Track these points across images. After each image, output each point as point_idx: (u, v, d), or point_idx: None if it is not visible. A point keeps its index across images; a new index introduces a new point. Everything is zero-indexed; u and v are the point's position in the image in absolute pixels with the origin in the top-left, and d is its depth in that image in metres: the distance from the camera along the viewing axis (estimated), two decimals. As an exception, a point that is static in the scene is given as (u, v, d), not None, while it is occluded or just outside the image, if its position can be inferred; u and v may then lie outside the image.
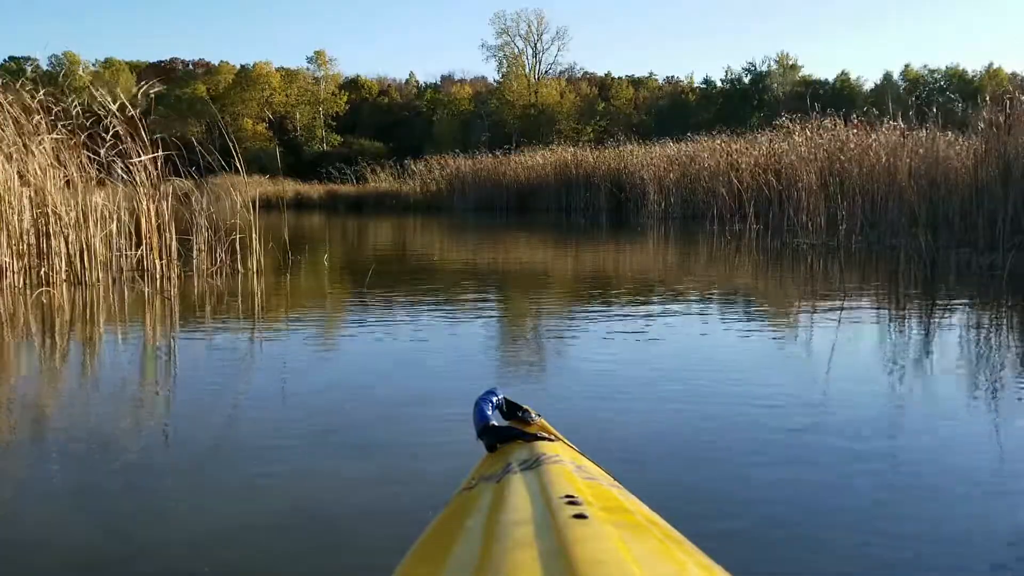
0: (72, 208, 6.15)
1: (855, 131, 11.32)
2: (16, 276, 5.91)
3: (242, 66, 46.08)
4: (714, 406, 2.70)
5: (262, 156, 30.97)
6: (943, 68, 41.32)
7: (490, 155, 23.70)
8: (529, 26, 44.15)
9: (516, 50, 44.47)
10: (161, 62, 50.51)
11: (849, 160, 10.27)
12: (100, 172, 6.52)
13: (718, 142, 16.67)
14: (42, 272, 6.04)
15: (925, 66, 41.92)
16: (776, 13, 74.84)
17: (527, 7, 59.32)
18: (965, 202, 7.74)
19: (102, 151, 6.41)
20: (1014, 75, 33.98)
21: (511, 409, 1.22)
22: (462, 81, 48.88)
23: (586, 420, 2.47)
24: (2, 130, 6.08)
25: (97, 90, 6.43)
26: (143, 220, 6.46)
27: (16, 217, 5.95)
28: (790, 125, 13.24)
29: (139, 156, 6.42)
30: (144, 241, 6.50)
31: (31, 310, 4.95)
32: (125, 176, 6.50)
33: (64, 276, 6.13)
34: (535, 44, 44.58)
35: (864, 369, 3.32)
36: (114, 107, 6.34)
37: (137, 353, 3.81)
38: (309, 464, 2.15)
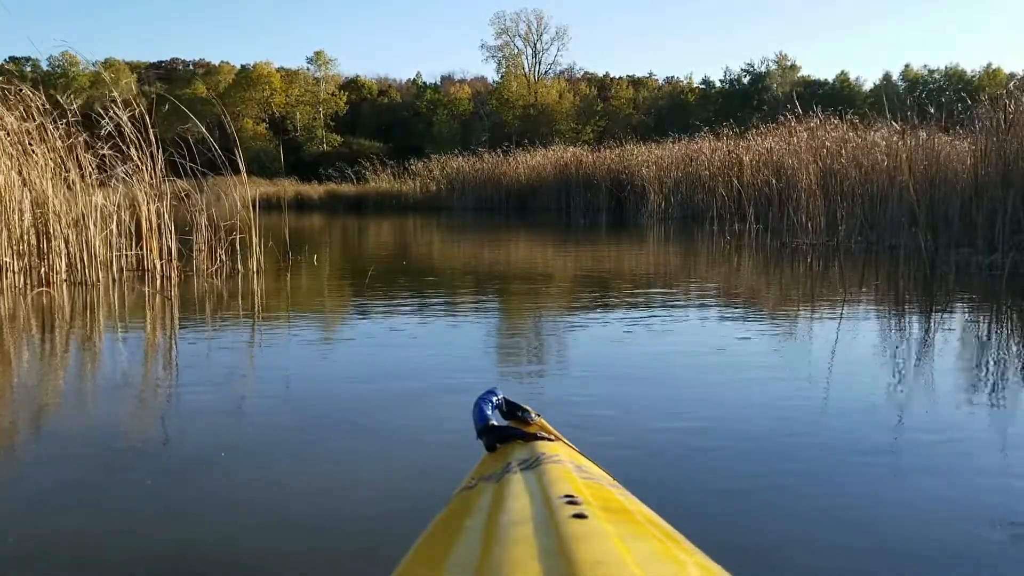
0: (72, 208, 6.15)
1: (853, 131, 11.31)
2: (16, 276, 5.91)
3: (242, 66, 46.09)
4: (714, 406, 2.70)
5: (262, 156, 30.98)
6: (943, 68, 41.35)
7: (490, 155, 23.69)
8: (529, 26, 44.18)
9: (516, 50, 44.50)
10: (161, 62, 50.55)
11: (849, 160, 10.26)
12: (101, 172, 6.53)
13: (720, 142, 16.67)
14: (42, 272, 6.04)
15: (925, 66, 41.96)
16: (776, 13, 74.96)
17: (527, 7, 59.25)
18: (965, 202, 7.72)
19: (104, 151, 6.42)
20: (1012, 75, 34.01)
21: (511, 409, 1.22)
22: (462, 81, 48.89)
23: (586, 420, 2.47)
24: (3, 130, 6.08)
25: (104, 92, 6.44)
26: (143, 220, 6.47)
27: (16, 217, 5.95)
28: (791, 124, 13.19)
29: (141, 156, 6.43)
30: (144, 241, 6.50)
31: (31, 310, 4.95)
32: (126, 176, 6.51)
33: (64, 276, 6.13)
34: (535, 44, 44.60)
35: (864, 369, 3.32)
36: (119, 107, 6.32)
37: (137, 353, 3.81)
38: (308, 463, 2.15)
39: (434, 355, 3.61)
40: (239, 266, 6.72)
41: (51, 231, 6.07)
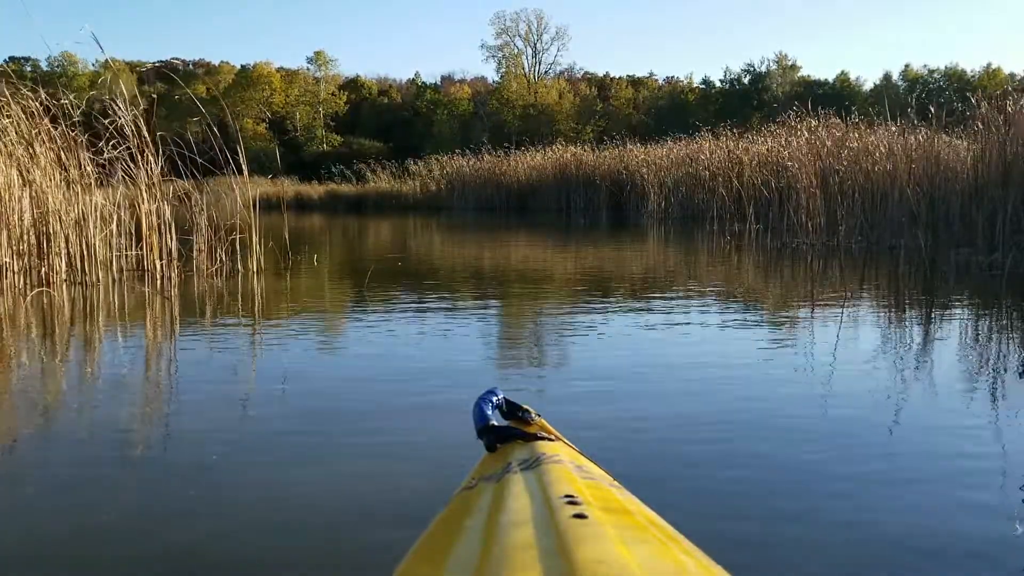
0: (72, 208, 6.15)
1: (855, 131, 11.30)
2: (16, 276, 5.91)
3: (242, 66, 46.08)
4: (714, 407, 2.70)
5: (262, 156, 30.95)
6: (943, 68, 41.33)
7: (490, 155, 23.69)
8: (529, 26, 44.17)
9: (516, 50, 44.48)
10: (161, 62, 50.52)
11: (849, 160, 10.25)
12: (101, 171, 6.52)
13: (720, 141, 16.67)
14: (42, 272, 6.04)
15: (925, 66, 41.92)
16: (776, 13, 74.91)
17: (527, 7, 59.21)
18: (965, 202, 7.73)
19: (105, 150, 6.41)
20: (1012, 75, 34.05)
21: (511, 409, 1.21)
22: (462, 81, 48.88)
23: (586, 420, 2.47)
24: (3, 130, 6.08)
25: (105, 93, 6.44)
26: (143, 220, 6.47)
27: (16, 217, 5.95)
28: (792, 124, 13.16)
29: (142, 155, 6.43)
30: (144, 241, 6.50)
31: (31, 310, 4.95)
32: (126, 176, 6.50)
33: (64, 276, 6.13)
34: (535, 44, 44.59)
35: (865, 370, 3.31)
36: (119, 107, 6.33)
37: (137, 353, 3.81)
38: (308, 463, 2.15)
39: (434, 356, 3.61)
40: (239, 266, 6.72)
41: (51, 231, 6.07)
